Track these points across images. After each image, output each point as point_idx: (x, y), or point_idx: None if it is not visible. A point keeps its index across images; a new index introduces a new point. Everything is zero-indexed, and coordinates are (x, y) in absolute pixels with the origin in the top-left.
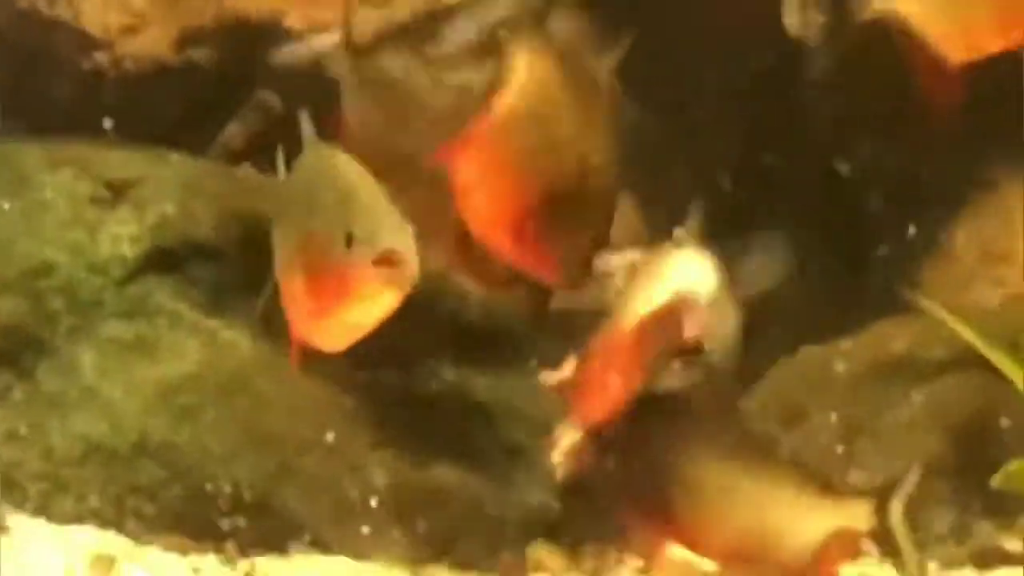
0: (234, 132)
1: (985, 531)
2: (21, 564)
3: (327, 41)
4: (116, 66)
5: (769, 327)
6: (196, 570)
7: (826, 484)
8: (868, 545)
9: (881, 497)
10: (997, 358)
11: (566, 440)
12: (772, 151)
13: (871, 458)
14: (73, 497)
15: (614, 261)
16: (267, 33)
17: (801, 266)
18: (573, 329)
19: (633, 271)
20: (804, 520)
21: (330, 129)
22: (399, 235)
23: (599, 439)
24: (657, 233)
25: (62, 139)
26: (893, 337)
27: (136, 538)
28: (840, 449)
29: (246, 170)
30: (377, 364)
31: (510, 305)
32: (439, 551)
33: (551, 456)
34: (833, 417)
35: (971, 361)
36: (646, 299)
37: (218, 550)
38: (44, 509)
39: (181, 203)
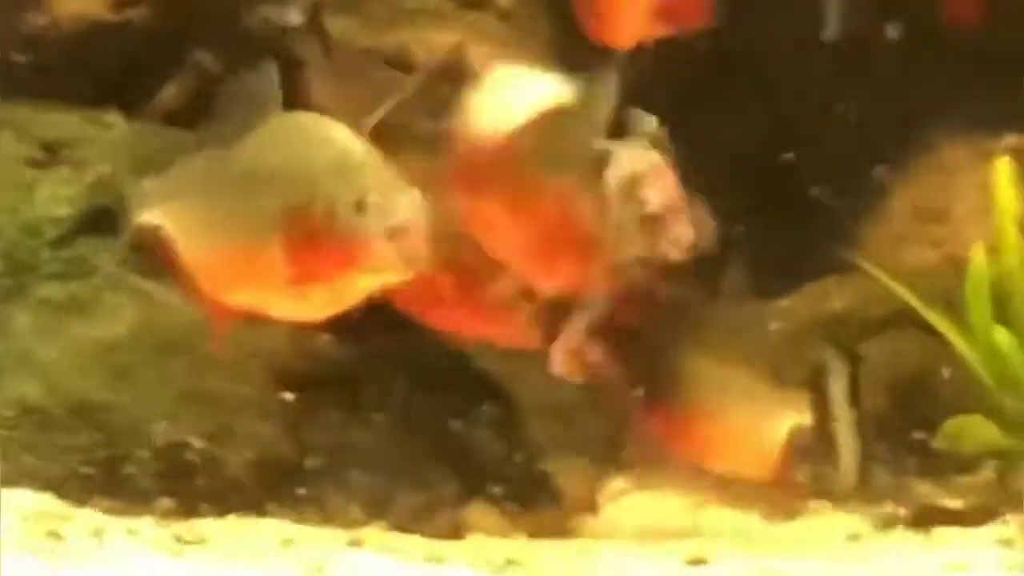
0: (171, 92)
1: (923, 490)
2: None
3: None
4: (54, 27)
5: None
6: (132, 531)
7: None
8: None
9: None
10: (933, 317)
11: (566, 343)
12: (707, 113)
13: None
14: (9, 459)
15: None
16: None
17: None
18: None
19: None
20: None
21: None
22: (415, 212)
23: (601, 338)
24: None
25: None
26: (831, 296)
27: (72, 500)
28: None
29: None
30: (315, 327)
31: None
32: (375, 513)
33: (553, 364)
34: None
35: (908, 320)
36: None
37: (154, 512)
38: None
39: (117, 163)
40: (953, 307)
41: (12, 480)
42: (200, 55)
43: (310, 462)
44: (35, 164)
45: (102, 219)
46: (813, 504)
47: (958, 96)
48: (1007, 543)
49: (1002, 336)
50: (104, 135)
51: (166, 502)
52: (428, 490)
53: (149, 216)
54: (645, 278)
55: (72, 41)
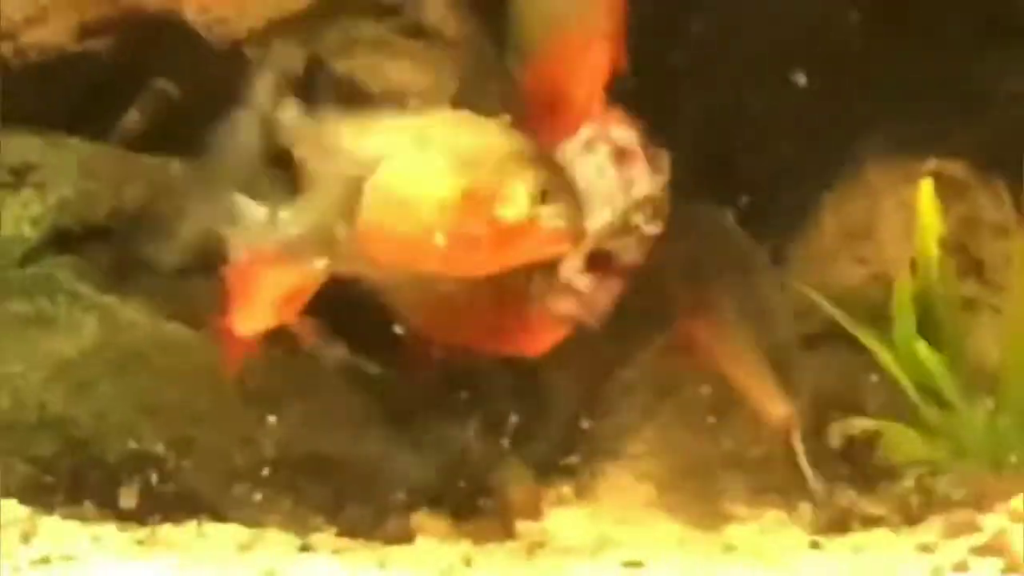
0: (132, 118)
1: (848, 497)
2: None
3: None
4: (19, 56)
5: (646, 305)
6: (96, 538)
7: None
8: None
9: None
10: (860, 332)
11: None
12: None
13: (740, 431)
14: None
15: None
16: (164, 24)
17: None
18: None
19: None
20: None
21: None
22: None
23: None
24: None
25: None
26: None
27: (37, 507)
28: (711, 420)
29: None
30: (268, 341)
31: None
32: (327, 518)
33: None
34: (705, 389)
35: (836, 336)
36: None
37: (116, 518)
38: None
39: (79, 186)
40: (879, 322)
41: None
42: (160, 82)
43: (265, 471)
44: (2, 186)
45: (65, 239)
46: (744, 511)
47: (884, 121)
48: (927, 548)
49: (924, 350)
50: (68, 159)
51: (128, 509)
52: (377, 498)
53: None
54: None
55: (38, 70)
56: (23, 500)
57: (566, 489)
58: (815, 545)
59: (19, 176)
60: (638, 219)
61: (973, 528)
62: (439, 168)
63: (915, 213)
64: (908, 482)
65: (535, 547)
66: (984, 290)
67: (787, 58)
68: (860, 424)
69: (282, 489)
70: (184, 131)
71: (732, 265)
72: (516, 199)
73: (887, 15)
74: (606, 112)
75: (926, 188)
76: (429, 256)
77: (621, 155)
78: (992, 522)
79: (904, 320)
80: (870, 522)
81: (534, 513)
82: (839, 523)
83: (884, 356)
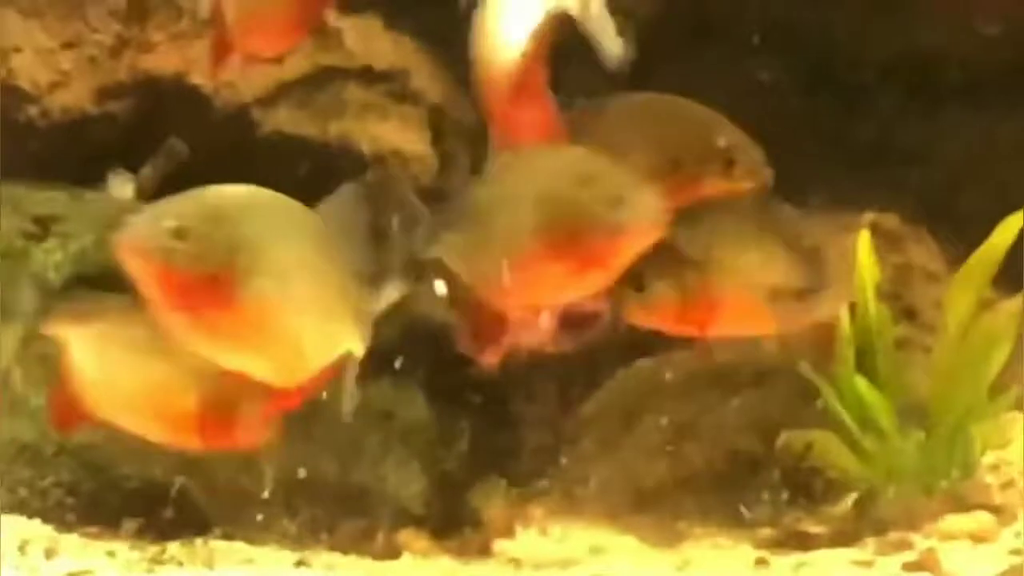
0: (147, 174)
1: (793, 518)
2: None
3: None
4: (45, 117)
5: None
6: (110, 553)
7: None
8: None
9: None
10: (804, 369)
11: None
12: None
13: (695, 458)
14: (5, 491)
15: None
16: (176, 88)
17: None
18: None
19: None
20: None
21: None
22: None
23: None
24: None
25: None
26: (716, 351)
27: (59, 526)
28: (669, 448)
29: None
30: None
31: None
32: (321, 536)
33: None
34: (663, 420)
35: (784, 371)
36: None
37: (129, 536)
38: None
39: (98, 236)
40: (821, 360)
41: (8, 508)
42: (172, 141)
43: (266, 493)
44: (28, 236)
45: (85, 284)
46: (698, 531)
47: (825, 178)
48: (864, 564)
49: (863, 385)
50: (88, 211)
51: (140, 528)
52: (366, 517)
53: (436, 251)
54: None
55: (62, 129)
56: (46, 520)
57: (538, 511)
58: (762, 561)
59: (44, 226)
60: None
61: (905, 546)
62: None
63: (854, 262)
64: (847, 505)
65: (511, 563)
66: (916, 331)
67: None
68: (798, 436)
69: (280, 509)
70: (194, 186)
71: None
72: None
73: (826, 82)
74: None
75: (864, 239)
76: None
77: None
78: (922, 541)
79: (845, 358)
80: (812, 541)
81: (509, 532)
82: (784, 542)
83: (826, 390)
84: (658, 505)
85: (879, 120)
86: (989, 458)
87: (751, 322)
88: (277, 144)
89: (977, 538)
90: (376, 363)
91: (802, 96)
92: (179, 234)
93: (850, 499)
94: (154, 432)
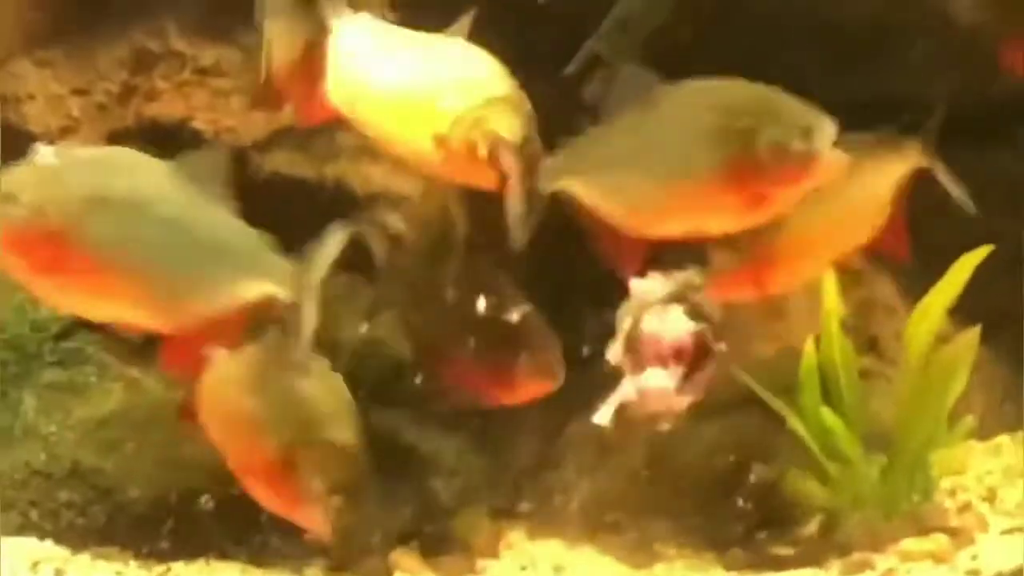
0: None
1: (762, 540)
2: None
3: None
4: None
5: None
6: (119, 573)
7: None
8: None
9: None
10: (771, 399)
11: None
12: None
13: (670, 483)
14: (17, 513)
15: None
16: (178, 133)
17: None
18: None
19: None
20: None
21: None
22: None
23: None
24: None
25: None
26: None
27: (69, 547)
28: (645, 473)
29: None
30: None
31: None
32: (317, 556)
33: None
34: (640, 447)
35: (752, 401)
36: None
37: (137, 556)
38: None
39: None
40: (788, 390)
41: (21, 530)
42: None
43: (264, 515)
44: None
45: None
46: (672, 552)
47: None
48: None
49: (827, 415)
50: None
51: (148, 548)
52: (360, 538)
53: (563, 184)
54: None
55: None
56: (58, 541)
57: (520, 532)
58: None
59: None
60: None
61: (868, 567)
62: None
63: (820, 297)
64: (813, 527)
65: None
66: (878, 363)
67: None
68: (768, 471)
69: (280, 530)
70: None
71: None
72: None
73: None
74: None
75: (828, 276)
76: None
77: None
78: (884, 562)
79: (810, 388)
80: (780, 562)
81: (493, 552)
82: (754, 563)
83: (792, 419)
84: (634, 528)
85: None
86: (947, 483)
87: (808, 269)
88: (275, 185)
89: (936, 558)
90: (368, 391)
91: None
92: (9, 199)
93: (816, 522)
94: None
